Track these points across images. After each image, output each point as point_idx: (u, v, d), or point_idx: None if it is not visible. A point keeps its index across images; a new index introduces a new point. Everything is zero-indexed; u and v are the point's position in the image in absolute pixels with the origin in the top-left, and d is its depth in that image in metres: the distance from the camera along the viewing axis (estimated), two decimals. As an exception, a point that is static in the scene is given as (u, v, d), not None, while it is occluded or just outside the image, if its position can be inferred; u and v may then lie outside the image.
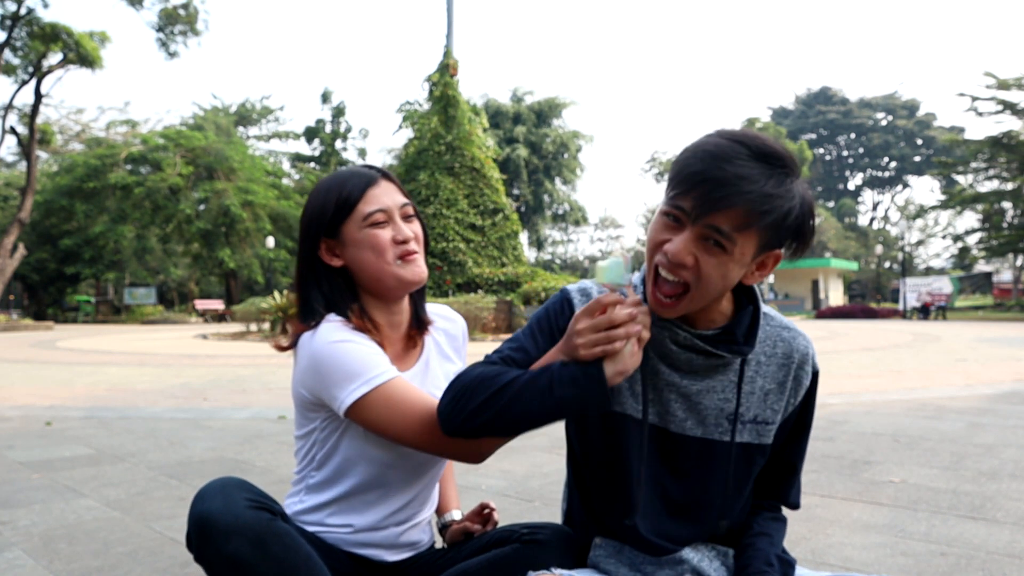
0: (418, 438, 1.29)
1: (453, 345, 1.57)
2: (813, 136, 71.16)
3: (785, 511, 1.38)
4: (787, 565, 1.25)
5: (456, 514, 1.61)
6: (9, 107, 28.93)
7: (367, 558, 1.45)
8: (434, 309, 1.58)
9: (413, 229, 1.42)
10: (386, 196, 1.40)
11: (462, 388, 1.16)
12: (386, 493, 1.44)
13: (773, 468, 1.32)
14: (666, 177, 1.16)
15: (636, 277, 1.19)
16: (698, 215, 1.04)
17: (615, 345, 1.06)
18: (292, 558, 1.19)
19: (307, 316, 1.40)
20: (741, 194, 1.02)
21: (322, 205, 1.41)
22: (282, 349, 1.44)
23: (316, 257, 1.42)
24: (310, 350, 1.34)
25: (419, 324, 1.50)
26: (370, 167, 1.45)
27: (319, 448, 1.43)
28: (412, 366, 1.48)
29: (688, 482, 1.24)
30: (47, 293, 41.91)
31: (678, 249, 1.06)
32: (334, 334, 1.33)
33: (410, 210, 1.43)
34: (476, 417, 1.14)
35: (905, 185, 72.53)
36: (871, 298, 58.62)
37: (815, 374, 1.28)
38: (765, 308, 1.26)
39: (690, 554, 1.25)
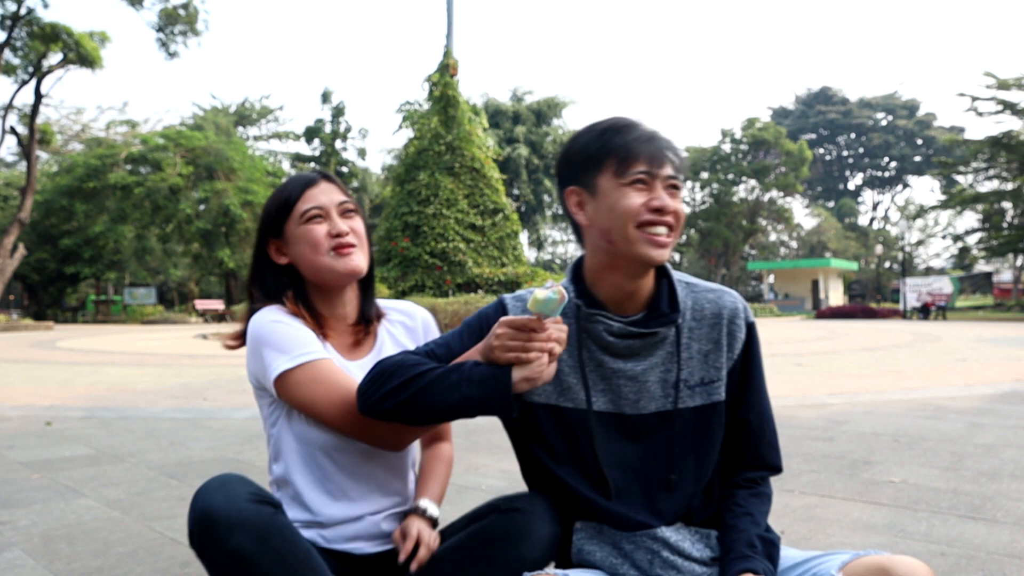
0: (340, 419, 1.35)
1: (412, 337, 1.61)
2: (813, 136, 71.12)
3: (771, 486, 1.37)
4: (770, 545, 1.24)
5: (424, 503, 1.50)
6: (9, 107, 28.92)
7: (348, 553, 1.45)
8: (394, 304, 1.65)
9: (351, 225, 1.50)
10: (323, 195, 1.50)
11: (380, 371, 1.24)
12: (343, 481, 1.46)
13: (736, 429, 1.33)
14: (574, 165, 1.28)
15: (563, 281, 1.27)
16: (654, 171, 1.22)
17: (529, 355, 1.12)
18: (293, 552, 1.21)
19: (252, 309, 1.51)
20: (666, 142, 1.24)
21: (268, 208, 1.53)
22: (231, 347, 1.57)
23: (264, 256, 1.53)
24: (250, 333, 1.45)
25: (364, 317, 1.56)
26: (315, 171, 1.57)
27: (274, 438, 1.49)
28: (364, 356, 1.54)
29: (656, 458, 1.28)
30: (47, 293, 41.90)
31: (664, 202, 1.21)
32: (269, 315, 1.45)
33: (349, 206, 1.52)
34: (387, 400, 1.21)
35: (905, 185, 72.53)
36: (871, 298, 58.63)
37: (750, 326, 1.34)
38: (685, 277, 1.35)
39: (669, 533, 1.26)
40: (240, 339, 1.52)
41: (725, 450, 1.34)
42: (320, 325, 1.50)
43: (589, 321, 1.27)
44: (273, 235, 1.52)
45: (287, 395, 1.39)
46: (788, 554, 1.29)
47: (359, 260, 1.50)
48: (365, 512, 1.48)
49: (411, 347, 1.60)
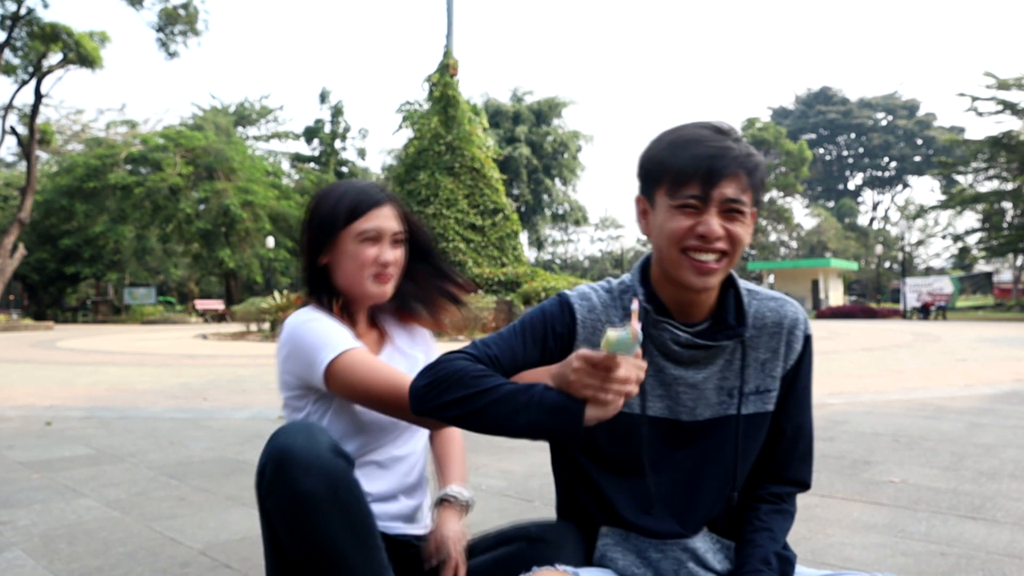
0: (388, 399, 1.38)
1: (409, 335, 1.69)
2: (813, 136, 71.16)
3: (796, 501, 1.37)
4: (786, 563, 1.24)
5: (454, 489, 1.58)
6: (9, 107, 28.92)
7: (391, 536, 1.48)
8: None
9: (396, 256, 1.56)
10: (384, 220, 1.54)
11: (442, 376, 1.17)
12: (385, 460, 1.53)
13: (775, 439, 1.32)
14: (641, 176, 1.25)
15: (635, 305, 1.18)
16: (709, 193, 1.16)
17: (606, 396, 1.07)
18: (358, 509, 1.23)
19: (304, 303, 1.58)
20: (733, 160, 1.16)
21: (327, 211, 1.55)
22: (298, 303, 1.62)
23: (315, 256, 1.57)
24: (286, 333, 1.50)
25: (376, 319, 1.65)
26: (383, 191, 1.59)
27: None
28: (381, 350, 1.62)
29: (702, 464, 1.27)
30: (47, 293, 41.90)
31: (711, 228, 1.16)
32: (302, 316, 1.51)
33: (401, 237, 1.58)
34: (447, 410, 1.16)
35: (905, 185, 72.56)
36: (871, 298, 58.62)
37: (807, 338, 1.32)
38: (749, 284, 1.32)
39: (698, 543, 1.26)
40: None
41: (757, 459, 1.33)
42: (351, 325, 1.57)
43: (656, 327, 1.25)
44: (328, 238, 1.55)
45: (337, 383, 1.41)
46: (802, 572, 1.29)
47: (391, 289, 1.57)
48: (407, 488, 1.57)
49: (413, 344, 1.65)
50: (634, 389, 1.08)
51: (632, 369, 1.08)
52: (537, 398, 1.11)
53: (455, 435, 1.70)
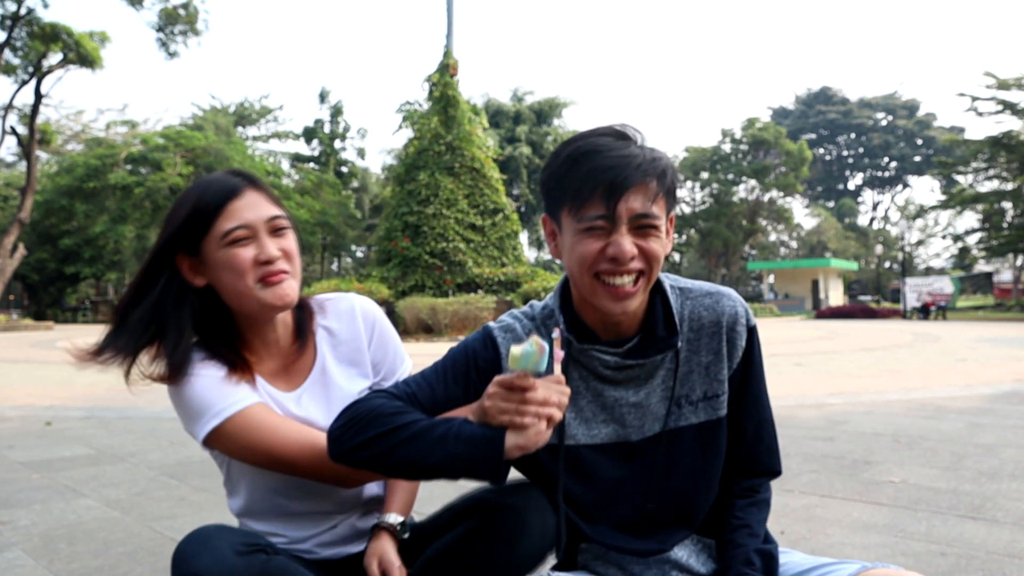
0: (283, 462, 1.24)
1: (354, 347, 1.42)
2: (813, 136, 71.15)
3: (770, 488, 1.34)
4: (768, 558, 1.22)
5: (391, 519, 1.38)
6: (9, 107, 28.93)
7: (335, 558, 1.41)
8: (330, 302, 1.45)
9: (283, 246, 1.29)
10: (249, 210, 1.26)
11: (356, 417, 1.11)
12: (306, 507, 1.38)
13: (738, 438, 1.27)
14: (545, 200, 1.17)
15: (556, 334, 1.11)
16: (613, 210, 1.07)
17: (524, 420, 1.00)
18: None
19: (172, 345, 1.28)
20: (636, 169, 1.07)
21: (177, 219, 1.27)
22: (160, 379, 1.30)
23: (176, 275, 1.29)
24: (169, 393, 1.30)
25: (300, 337, 1.38)
26: (237, 173, 1.31)
27: (225, 474, 1.42)
28: (306, 378, 1.38)
29: (662, 479, 1.23)
30: (47, 293, 41.90)
31: (622, 250, 1.08)
32: (187, 369, 1.27)
33: (282, 223, 1.29)
34: (362, 450, 1.09)
35: (905, 185, 72.57)
36: (872, 298, 58.62)
37: (751, 331, 1.25)
38: (680, 283, 1.25)
39: (678, 552, 1.25)
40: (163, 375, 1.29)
41: (725, 459, 1.29)
42: (244, 353, 1.34)
43: (582, 355, 1.19)
44: (189, 252, 1.28)
45: (221, 450, 1.27)
46: (795, 559, 1.27)
47: (291, 288, 1.29)
48: (338, 520, 1.42)
49: (356, 360, 1.44)
50: (556, 412, 1.01)
51: (551, 391, 1.01)
52: (455, 431, 1.04)
53: None
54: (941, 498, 2.92)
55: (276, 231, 1.29)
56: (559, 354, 1.04)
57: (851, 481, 3.24)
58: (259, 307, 1.28)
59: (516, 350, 1.00)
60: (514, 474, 1.19)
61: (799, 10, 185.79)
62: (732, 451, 1.28)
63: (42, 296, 41.80)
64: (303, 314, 1.40)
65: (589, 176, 1.07)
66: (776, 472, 1.33)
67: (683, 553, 1.25)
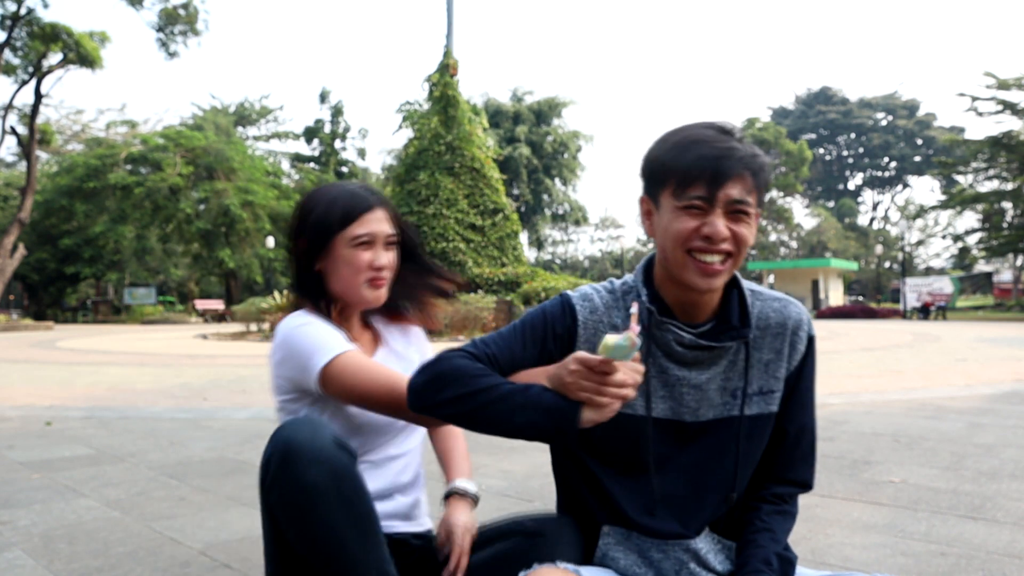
0: (380, 401, 1.39)
1: (403, 334, 1.69)
2: (813, 136, 71.15)
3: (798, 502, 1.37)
4: (787, 564, 1.24)
5: (462, 482, 1.60)
6: (9, 107, 28.93)
7: (388, 535, 1.47)
8: None
9: (390, 259, 1.56)
10: (377, 223, 1.53)
11: (440, 373, 1.19)
12: (380, 460, 1.54)
13: (778, 440, 1.32)
14: (644, 176, 1.25)
15: (634, 309, 1.17)
16: (714, 194, 1.15)
17: (602, 400, 1.08)
18: (360, 504, 1.23)
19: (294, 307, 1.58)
20: (739, 160, 1.16)
21: (320, 217, 1.53)
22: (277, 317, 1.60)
23: (309, 261, 1.56)
24: (279, 338, 1.49)
25: (367, 322, 1.65)
26: (372, 191, 1.59)
27: None
28: (376, 352, 1.62)
29: (705, 465, 1.27)
30: (47, 293, 41.89)
31: (716, 229, 1.15)
32: (295, 320, 1.50)
33: (394, 239, 1.57)
34: (444, 408, 1.18)
35: (905, 185, 72.55)
36: (871, 298, 58.60)
37: (810, 339, 1.32)
38: (751, 285, 1.32)
39: (700, 544, 1.26)
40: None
41: (760, 460, 1.32)
42: (346, 329, 1.57)
43: (659, 328, 1.24)
44: (322, 245, 1.54)
45: (333, 386, 1.41)
46: (802, 572, 1.29)
47: (385, 293, 1.56)
48: (402, 487, 1.57)
49: (407, 345, 1.66)
50: (631, 393, 1.09)
51: (629, 373, 1.09)
52: (534, 399, 1.12)
53: (457, 431, 1.70)
54: (941, 498, 2.92)
55: (388, 245, 1.56)
56: (635, 329, 1.09)
57: (851, 481, 3.24)
58: (359, 300, 1.55)
59: (611, 340, 1.07)
60: (547, 502, 1.19)
61: (799, 10, 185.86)
62: (770, 454, 1.32)
63: (42, 296, 41.79)
64: (371, 311, 1.65)
65: (696, 162, 1.15)
66: (808, 485, 1.36)
67: (703, 546, 1.27)
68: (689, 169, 1.15)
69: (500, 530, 1.43)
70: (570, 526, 1.33)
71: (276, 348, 1.50)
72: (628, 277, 1.33)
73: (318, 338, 1.45)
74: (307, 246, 1.55)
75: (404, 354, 1.65)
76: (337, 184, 1.60)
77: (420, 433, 1.65)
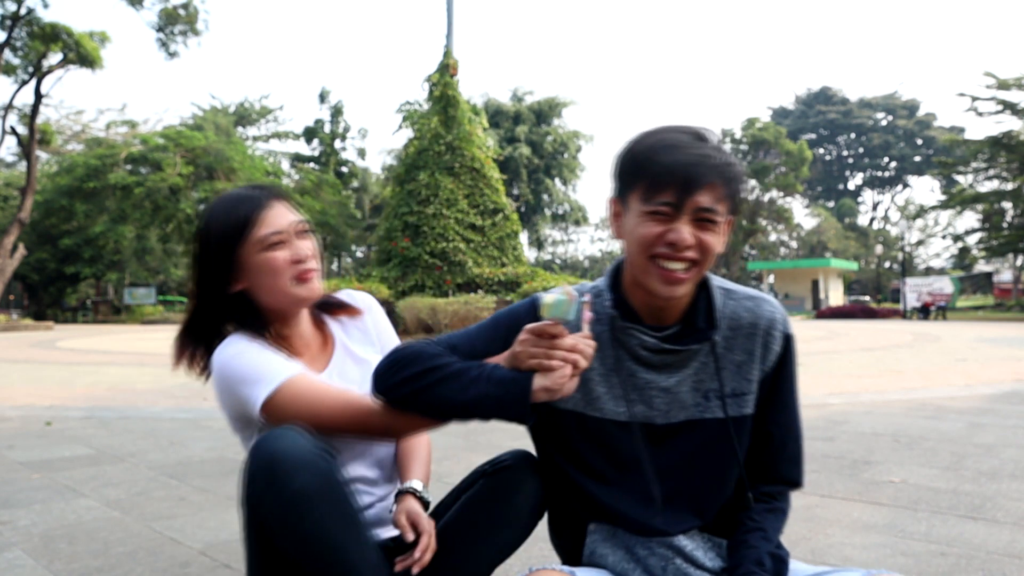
0: (333, 423, 1.33)
1: (363, 335, 1.60)
2: (813, 136, 71.16)
3: (790, 500, 1.37)
4: (780, 563, 1.24)
5: (416, 484, 1.48)
6: (9, 107, 28.92)
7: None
8: (335, 298, 1.60)
9: (309, 247, 1.46)
10: (280, 217, 1.44)
11: (400, 357, 1.22)
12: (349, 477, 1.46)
13: (762, 442, 1.31)
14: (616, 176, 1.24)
15: (586, 298, 1.18)
16: (683, 201, 1.14)
17: (552, 363, 1.09)
18: (348, 505, 1.22)
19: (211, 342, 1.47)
20: (711, 168, 1.14)
21: (215, 233, 1.43)
22: (203, 373, 1.51)
23: (222, 289, 1.45)
24: (215, 373, 1.40)
25: (318, 323, 1.56)
26: (259, 187, 1.49)
27: None
28: (331, 358, 1.54)
29: (679, 467, 1.27)
30: (47, 293, 41.89)
31: (681, 236, 1.14)
32: (229, 350, 1.40)
33: (305, 226, 1.47)
34: (403, 386, 1.20)
35: (905, 185, 72.57)
36: (871, 298, 58.60)
37: (787, 338, 1.29)
38: (726, 284, 1.31)
39: (685, 542, 1.27)
40: (206, 370, 1.49)
41: (746, 461, 1.31)
42: (285, 346, 1.47)
43: (623, 333, 1.25)
44: (230, 263, 1.42)
45: (276, 419, 1.33)
46: (797, 567, 1.28)
47: (318, 283, 1.47)
48: (373, 500, 1.51)
49: (366, 344, 1.59)
50: (581, 360, 1.10)
51: (579, 341, 1.11)
52: (487, 372, 1.15)
53: (423, 439, 1.62)
54: (941, 498, 2.92)
55: (301, 233, 1.46)
56: (588, 316, 1.10)
57: (851, 481, 3.24)
58: (293, 302, 1.45)
59: (548, 298, 1.08)
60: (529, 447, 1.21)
61: (799, 10, 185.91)
62: (756, 456, 1.31)
63: (42, 296, 41.78)
64: (319, 306, 1.56)
65: (668, 168, 1.14)
66: (796, 483, 1.35)
67: (690, 544, 1.27)
68: (660, 174, 1.14)
69: (462, 484, 1.43)
70: (525, 454, 1.37)
71: (214, 384, 1.41)
72: (599, 280, 1.33)
73: (254, 368, 1.35)
74: (216, 271, 1.44)
75: (360, 354, 1.56)
76: (222, 196, 1.49)
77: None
